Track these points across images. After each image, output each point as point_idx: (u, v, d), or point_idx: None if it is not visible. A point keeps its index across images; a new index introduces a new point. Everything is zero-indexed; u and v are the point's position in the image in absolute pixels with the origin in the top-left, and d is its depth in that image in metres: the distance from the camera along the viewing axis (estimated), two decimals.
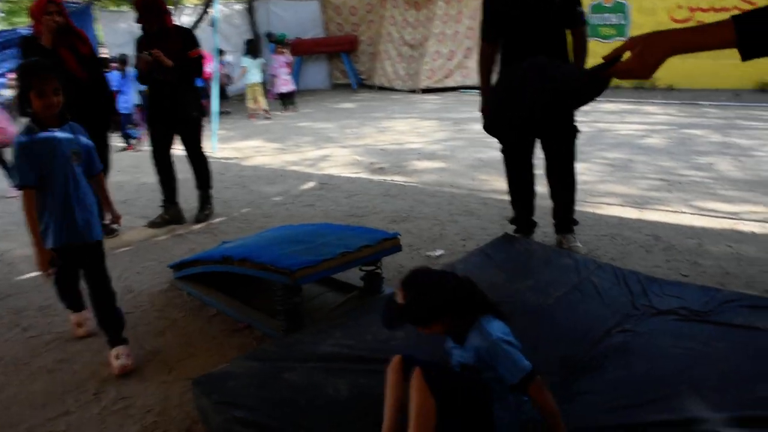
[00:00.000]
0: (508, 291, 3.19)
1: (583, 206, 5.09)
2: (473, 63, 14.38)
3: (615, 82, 1.98)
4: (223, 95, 12.29)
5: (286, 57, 12.54)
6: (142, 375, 2.94)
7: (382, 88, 15.77)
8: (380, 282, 3.50)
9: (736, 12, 1.53)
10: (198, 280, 3.81)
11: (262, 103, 11.91)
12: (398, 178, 6.50)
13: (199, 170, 5.34)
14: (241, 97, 13.47)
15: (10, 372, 3.04)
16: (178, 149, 5.22)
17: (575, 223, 4.19)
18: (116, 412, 2.65)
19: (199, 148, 5.28)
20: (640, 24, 12.21)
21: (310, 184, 6.48)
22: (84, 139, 2.91)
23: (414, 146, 8.33)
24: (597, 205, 5.15)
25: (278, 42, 12.80)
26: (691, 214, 4.72)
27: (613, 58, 1.71)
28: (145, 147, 7.73)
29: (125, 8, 14.51)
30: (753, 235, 4.20)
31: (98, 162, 3.03)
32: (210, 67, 9.14)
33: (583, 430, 2.08)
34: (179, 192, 5.37)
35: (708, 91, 10.35)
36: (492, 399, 1.97)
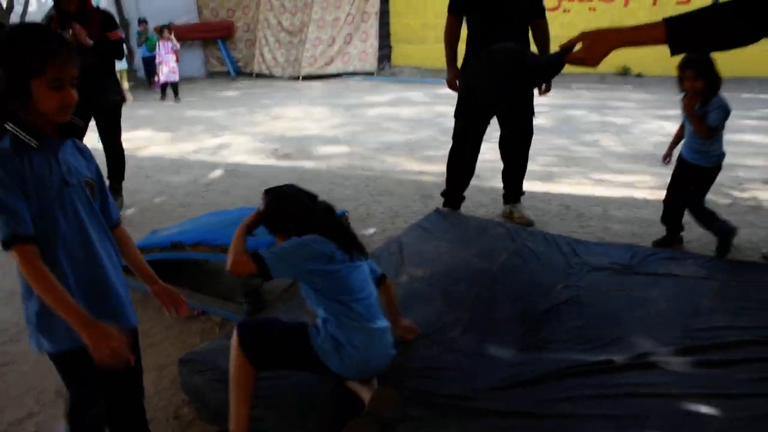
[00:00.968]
0: (454, 260, 3.43)
1: (493, 183, 5.47)
2: (355, 49, 14.66)
3: None
4: None
5: (173, 44, 12.02)
6: None
7: (260, 76, 15.57)
8: None
9: None
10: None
11: (125, 89, 11.36)
12: (308, 163, 6.57)
13: (115, 160, 5.11)
14: None
15: None
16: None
17: (522, 193, 4.51)
18: None
19: (118, 137, 5.05)
20: None
21: (218, 173, 6.38)
22: (95, 163, 1.85)
23: (312, 132, 8.39)
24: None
25: (162, 29, 12.19)
26: (591, 185, 5.24)
27: (568, 48, 1.96)
28: None
29: None
30: (647, 201, 4.77)
31: (114, 206, 1.92)
32: None
33: (559, 372, 2.34)
34: None
35: (577, 75, 11.24)
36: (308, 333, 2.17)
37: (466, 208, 4.69)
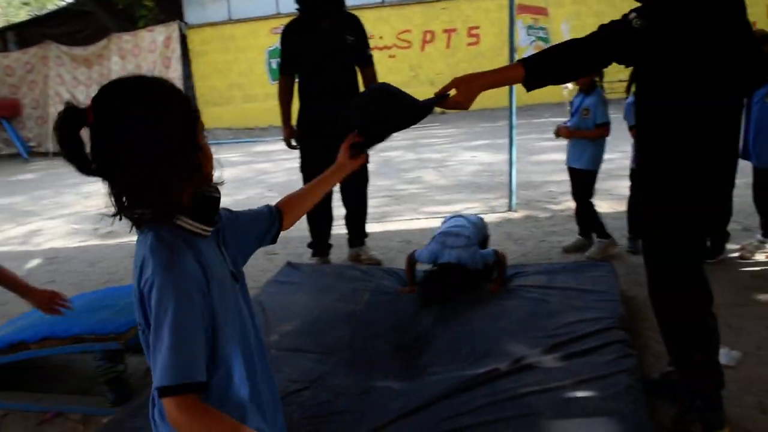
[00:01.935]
0: (319, 308, 3.47)
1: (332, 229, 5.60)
2: None
3: None
4: None
5: None
6: None
7: (58, 154, 14.40)
8: None
9: None
10: None
11: None
12: (136, 238, 6.21)
13: None
14: None
15: None
16: None
17: (366, 236, 4.66)
18: None
19: None
20: None
21: (36, 262, 5.81)
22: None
23: None
24: (343, 227, 5.68)
25: None
26: (425, 218, 5.58)
27: (443, 94, 2.15)
28: None
29: None
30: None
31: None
32: None
33: (449, 390, 2.46)
34: None
35: None
36: None
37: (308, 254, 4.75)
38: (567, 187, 5.68)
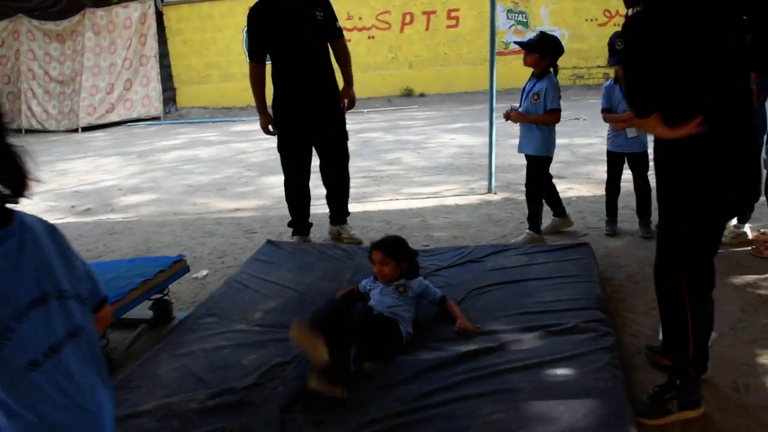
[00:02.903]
0: (302, 286, 3.49)
1: (312, 209, 5.60)
2: (136, 95, 14.01)
3: None
4: None
5: None
6: None
7: (31, 131, 14.17)
8: (171, 308, 3.46)
9: None
10: None
11: None
12: (114, 216, 6.15)
13: None
14: None
15: None
16: None
17: (348, 214, 4.67)
18: None
19: None
20: None
21: None
22: None
23: (109, 183, 7.87)
24: (323, 206, 5.65)
25: None
26: (405, 199, 5.60)
27: None
28: None
29: None
30: (458, 206, 5.22)
31: None
32: None
33: (433, 367, 2.50)
34: None
35: (365, 99, 11.88)
36: None
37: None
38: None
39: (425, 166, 6.92)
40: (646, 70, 2.06)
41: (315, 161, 4.50)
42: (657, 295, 2.38)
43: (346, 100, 4.37)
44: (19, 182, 1.20)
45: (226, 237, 5.11)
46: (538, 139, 4.06)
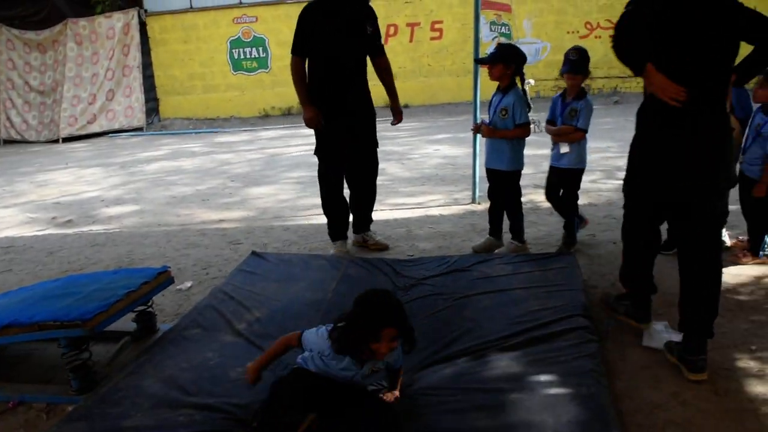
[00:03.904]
0: (287, 296, 3.49)
1: (294, 220, 5.62)
2: (119, 105, 13.94)
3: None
4: None
5: None
6: None
7: (10, 142, 14.03)
8: (154, 320, 3.43)
9: None
10: None
11: None
12: (96, 228, 6.10)
13: None
14: None
15: None
16: None
17: (371, 221, 4.65)
18: None
19: None
20: (280, 56, 13.43)
21: None
22: None
23: (91, 195, 7.81)
24: (307, 217, 5.70)
25: None
26: (390, 210, 5.62)
27: None
28: None
29: None
30: (442, 216, 5.25)
31: None
32: None
33: (416, 372, 2.52)
34: None
35: None
36: None
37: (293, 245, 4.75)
38: (528, 180, 5.82)
39: (409, 177, 6.96)
40: (624, 32, 2.57)
41: None
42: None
43: (394, 115, 4.51)
44: None
45: (211, 248, 5.09)
46: (509, 153, 4.03)
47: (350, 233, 4.67)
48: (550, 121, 4.15)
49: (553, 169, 4.20)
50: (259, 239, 5.18)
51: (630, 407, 2.45)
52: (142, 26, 14.00)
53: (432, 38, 13.70)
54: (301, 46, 4.16)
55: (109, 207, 6.99)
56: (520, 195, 4.21)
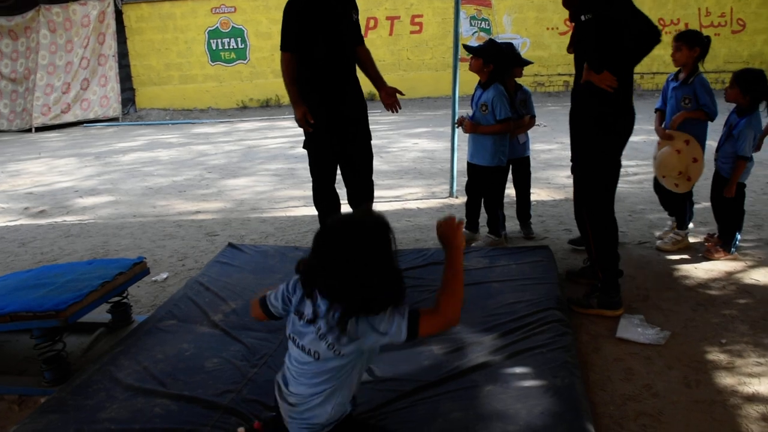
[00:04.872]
0: (263, 286, 3.45)
1: (271, 212, 5.59)
2: (94, 95, 13.72)
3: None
4: None
5: None
6: None
7: None
8: (130, 311, 3.40)
9: None
10: None
11: None
12: (70, 218, 6.01)
13: None
14: None
15: None
16: None
17: None
18: None
19: None
20: (259, 47, 13.33)
21: None
22: None
23: (65, 185, 7.68)
24: (284, 209, 5.68)
25: None
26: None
27: None
28: None
29: None
30: (420, 209, 5.26)
31: None
32: None
33: (394, 366, 2.53)
34: None
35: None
36: None
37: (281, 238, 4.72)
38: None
39: (388, 171, 6.96)
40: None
41: None
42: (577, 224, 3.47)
43: (390, 96, 4.21)
44: None
45: (187, 240, 5.05)
46: (491, 148, 4.08)
47: None
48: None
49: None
50: (235, 231, 5.15)
51: (602, 399, 2.49)
52: (118, 15, 13.77)
53: (412, 32, 13.69)
54: (291, 41, 4.00)
55: (84, 198, 6.89)
56: (501, 190, 4.26)
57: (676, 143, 3.82)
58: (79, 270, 3.21)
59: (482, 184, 4.21)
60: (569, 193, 5.65)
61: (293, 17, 3.94)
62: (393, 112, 4.25)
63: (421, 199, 5.69)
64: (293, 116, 4.03)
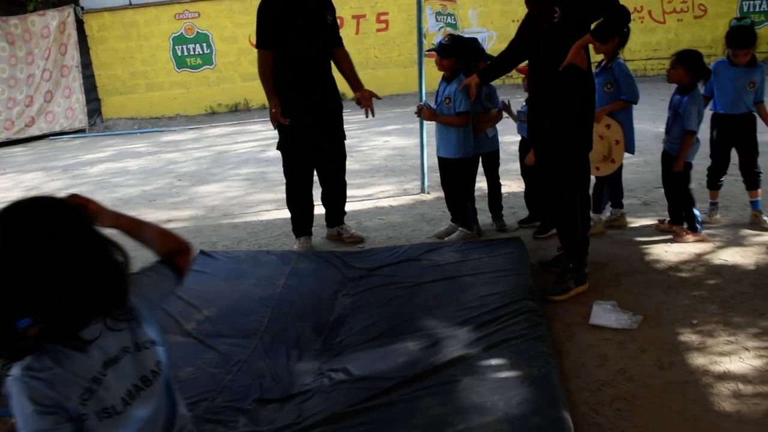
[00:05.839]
0: (236, 294, 3.44)
1: (243, 217, 5.54)
2: (58, 107, 13.48)
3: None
4: None
5: None
6: None
7: None
8: None
9: None
10: None
11: None
12: None
13: None
14: None
15: None
16: None
17: (345, 214, 4.61)
18: None
19: None
20: (225, 51, 13.21)
21: None
22: None
23: None
24: (256, 214, 5.64)
25: None
26: None
27: None
28: None
29: None
30: (392, 207, 5.26)
31: None
32: None
33: (370, 365, 2.52)
34: None
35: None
36: None
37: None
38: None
39: (359, 169, 6.94)
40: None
41: None
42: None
43: (366, 100, 4.30)
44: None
45: None
46: (455, 141, 4.09)
47: (323, 229, 4.69)
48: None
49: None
50: (207, 238, 5.09)
51: (578, 385, 2.50)
52: (80, 24, 13.53)
53: (378, 30, 13.68)
54: (266, 39, 4.02)
55: None
56: (470, 183, 4.27)
57: (597, 128, 3.86)
58: None
59: (451, 176, 4.22)
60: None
61: (269, 14, 3.98)
62: (367, 116, 4.28)
63: (392, 196, 5.68)
64: (265, 119, 4.06)
